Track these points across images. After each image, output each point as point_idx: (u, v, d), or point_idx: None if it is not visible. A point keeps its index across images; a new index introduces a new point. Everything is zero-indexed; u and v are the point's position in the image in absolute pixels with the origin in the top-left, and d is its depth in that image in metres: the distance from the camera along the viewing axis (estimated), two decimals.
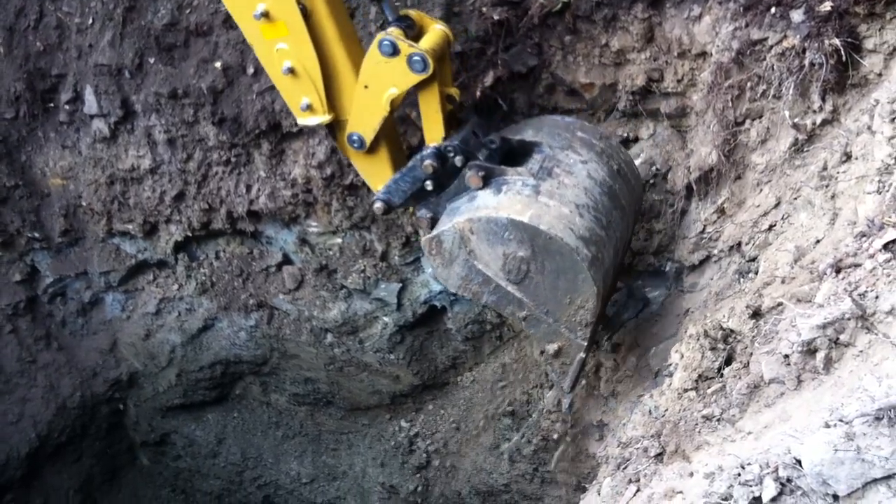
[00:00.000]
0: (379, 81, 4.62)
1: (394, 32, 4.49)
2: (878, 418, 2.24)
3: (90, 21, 6.52)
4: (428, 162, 4.74)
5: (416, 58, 4.44)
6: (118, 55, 6.48)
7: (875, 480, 2.19)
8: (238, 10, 4.60)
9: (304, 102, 4.81)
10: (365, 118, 4.81)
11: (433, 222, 4.90)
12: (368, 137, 4.87)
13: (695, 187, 5.30)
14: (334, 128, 5.00)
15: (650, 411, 4.17)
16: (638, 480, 3.50)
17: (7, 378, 8.15)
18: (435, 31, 4.75)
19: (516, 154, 4.88)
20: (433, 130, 4.81)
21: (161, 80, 6.46)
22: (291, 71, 4.67)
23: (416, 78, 4.53)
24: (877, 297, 2.78)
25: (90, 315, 8.34)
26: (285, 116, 6.22)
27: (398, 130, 5.51)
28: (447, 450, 8.10)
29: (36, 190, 7.43)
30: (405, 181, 4.91)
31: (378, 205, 4.99)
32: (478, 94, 5.65)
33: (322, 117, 4.85)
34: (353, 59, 4.69)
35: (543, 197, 4.53)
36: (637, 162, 5.71)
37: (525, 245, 4.44)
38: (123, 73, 6.56)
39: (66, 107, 6.89)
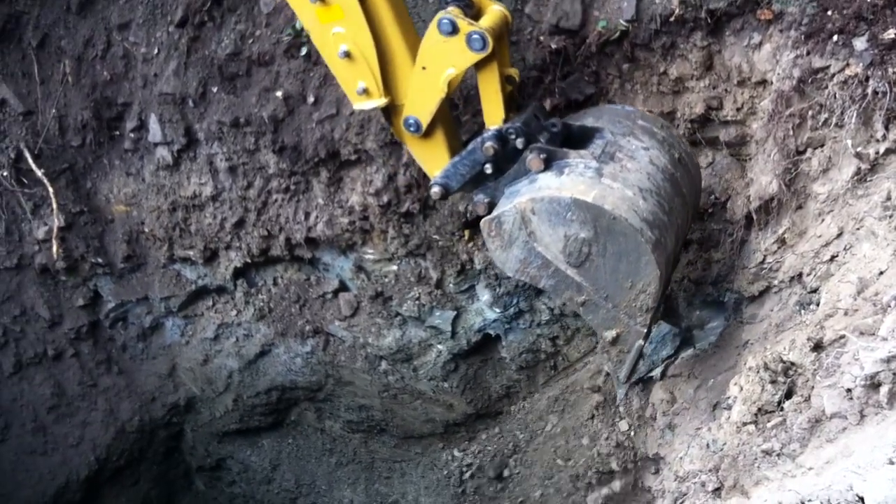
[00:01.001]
0: (437, 62, 4.59)
1: (453, 11, 4.44)
2: None
3: (156, 51, 6.69)
4: (489, 144, 4.67)
5: (476, 36, 4.39)
6: (182, 84, 6.64)
7: None
8: None
9: (360, 86, 4.79)
10: (422, 101, 4.77)
11: (491, 207, 4.80)
12: (425, 121, 4.82)
13: (755, 217, 5.23)
14: (390, 112, 4.98)
15: (708, 445, 4.11)
16: None
17: (69, 401, 8.28)
18: (493, 11, 4.70)
19: (576, 140, 4.79)
20: (493, 113, 4.75)
21: (223, 109, 6.59)
22: (347, 55, 4.67)
23: (475, 57, 4.48)
24: None
25: (150, 340, 8.46)
26: (343, 145, 6.29)
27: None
28: (500, 480, 8.04)
29: (100, 216, 7.61)
30: (464, 164, 4.85)
31: (435, 189, 4.95)
32: None
33: (378, 101, 4.82)
34: (408, 42, 4.69)
35: (607, 179, 4.44)
36: None
37: (588, 226, 4.35)
38: (187, 101, 6.71)
39: (131, 135, 7.07)
